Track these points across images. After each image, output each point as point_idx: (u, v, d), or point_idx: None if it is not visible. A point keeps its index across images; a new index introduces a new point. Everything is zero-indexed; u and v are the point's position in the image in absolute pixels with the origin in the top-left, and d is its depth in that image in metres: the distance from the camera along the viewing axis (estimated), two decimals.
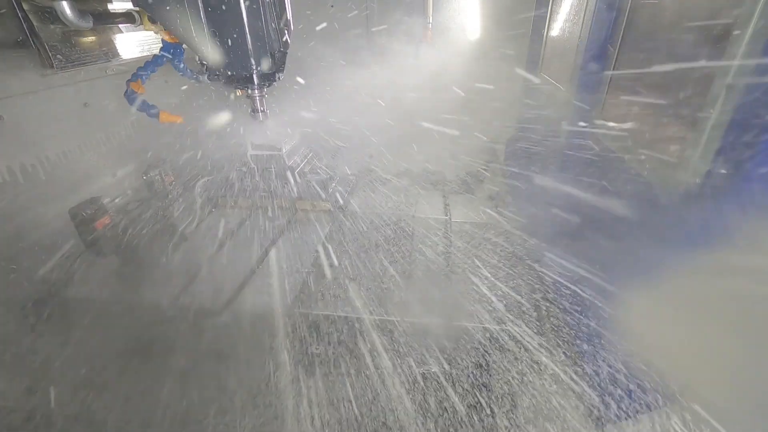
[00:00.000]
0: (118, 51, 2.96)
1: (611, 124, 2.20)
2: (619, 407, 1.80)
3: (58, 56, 2.46)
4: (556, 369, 2.19)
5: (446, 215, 3.75)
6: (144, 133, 3.58)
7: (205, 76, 2.58)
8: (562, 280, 2.60)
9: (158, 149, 3.63)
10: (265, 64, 2.47)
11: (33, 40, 2.35)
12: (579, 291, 2.36)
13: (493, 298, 2.69)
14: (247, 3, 2.17)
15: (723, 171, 1.32)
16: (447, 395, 2.20)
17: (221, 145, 3.74)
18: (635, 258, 1.78)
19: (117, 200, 3.42)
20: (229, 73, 2.48)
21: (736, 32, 1.29)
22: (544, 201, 3.01)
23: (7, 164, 2.59)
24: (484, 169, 4.52)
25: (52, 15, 2.40)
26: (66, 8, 2.29)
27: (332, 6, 4.55)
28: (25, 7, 2.28)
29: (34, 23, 2.33)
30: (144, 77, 2.49)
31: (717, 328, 1.34)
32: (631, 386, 1.77)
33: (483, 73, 4.43)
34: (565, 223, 2.58)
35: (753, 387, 1.25)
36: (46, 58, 2.39)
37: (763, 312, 1.20)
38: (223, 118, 3.43)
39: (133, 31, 2.91)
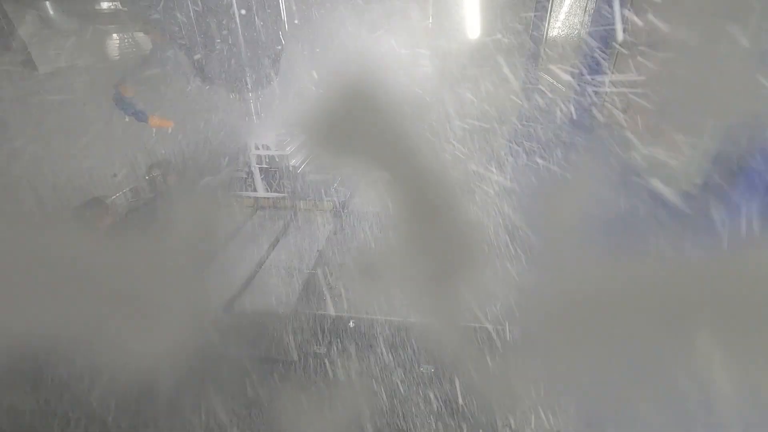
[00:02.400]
0: (106, 52, 2.83)
1: (610, 122, 2.18)
2: None
3: (42, 58, 2.35)
4: None
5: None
6: (139, 134, 3.53)
7: (198, 78, 2.49)
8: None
9: (157, 150, 3.58)
10: (259, 66, 2.38)
11: (15, 43, 2.26)
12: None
13: None
14: (241, 4, 2.07)
15: (722, 172, 1.33)
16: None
17: (223, 145, 3.69)
18: (633, 254, 1.76)
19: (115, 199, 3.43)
20: (223, 74, 2.39)
21: (736, 32, 1.27)
22: (544, 199, 2.93)
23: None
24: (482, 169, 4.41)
25: (34, 16, 2.30)
26: (49, 9, 2.20)
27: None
28: (6, 8, 2.17)
29: (16, 25, 2.23)
30: (133, 80, 2.41)
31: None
32: None
33: (483, 71, 4.30)
34: (563, 221, 2.51)
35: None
36: (28, 61, 2.29)
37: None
38: (219, 119, 3.37)
39: (122, 31, 2.79)
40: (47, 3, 2.12)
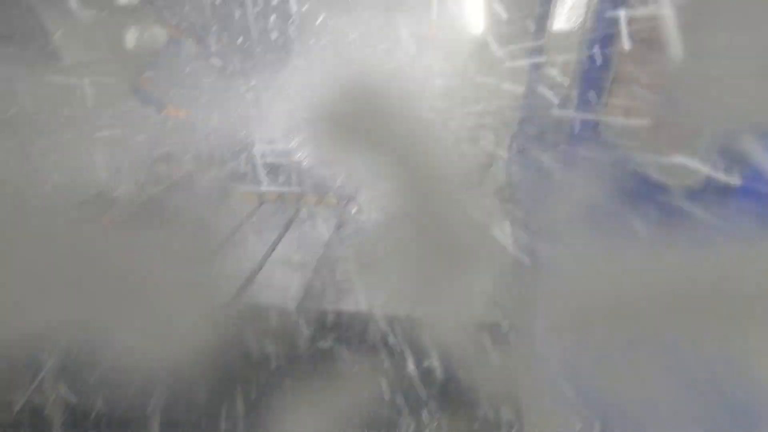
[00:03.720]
0: (126, 45, 2.91)
1: (613, 120, 2.20)
2: None
3: (65, 50, 2.43)
4: None
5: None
6: (152, 127, 3.57)
7: (211, 68, 2.56)
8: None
9: (166, 142, 3.61)
10: (270, 56, 2.45)
11: (39, 34, 2.32)
12: None
13: None
14: None
15: (726, 171, 1.32)
16: None
17: (228, 138, 3.72)
18: (634, 256, 1.75)
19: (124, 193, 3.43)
20: (235, 65, 2.46)
21: (737, 31, 1.28)
22: (546, 196, 2.99)
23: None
24: (487, 164, 4.49)
25: (58, 7, 2.37)
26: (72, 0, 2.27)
27: None
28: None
29: (40, 16, 2.30)
30: (150, 71, 2.48)
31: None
32: None
33: (485, 68, 4.39)
34: (564, 218, 2.57)
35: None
36: (52, 53, 2.36)
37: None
38: (229, 110, 3.41)
39: (140, 25, 2.87)
40: None
